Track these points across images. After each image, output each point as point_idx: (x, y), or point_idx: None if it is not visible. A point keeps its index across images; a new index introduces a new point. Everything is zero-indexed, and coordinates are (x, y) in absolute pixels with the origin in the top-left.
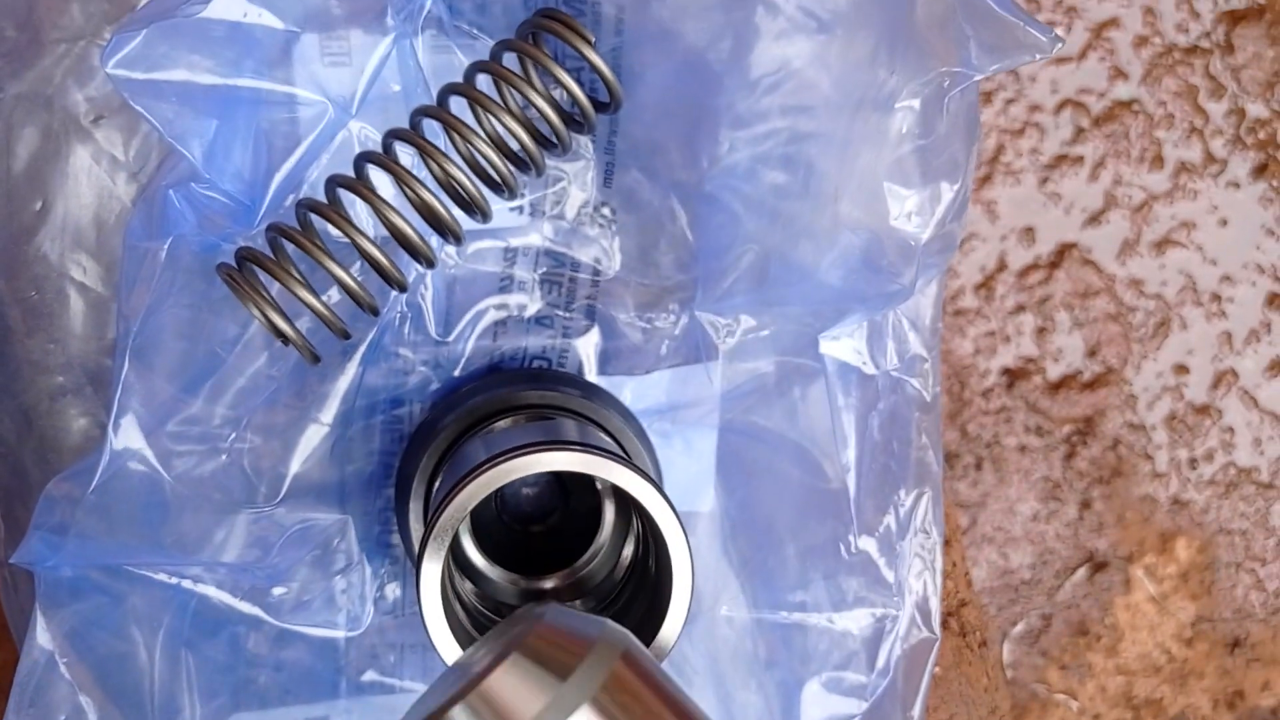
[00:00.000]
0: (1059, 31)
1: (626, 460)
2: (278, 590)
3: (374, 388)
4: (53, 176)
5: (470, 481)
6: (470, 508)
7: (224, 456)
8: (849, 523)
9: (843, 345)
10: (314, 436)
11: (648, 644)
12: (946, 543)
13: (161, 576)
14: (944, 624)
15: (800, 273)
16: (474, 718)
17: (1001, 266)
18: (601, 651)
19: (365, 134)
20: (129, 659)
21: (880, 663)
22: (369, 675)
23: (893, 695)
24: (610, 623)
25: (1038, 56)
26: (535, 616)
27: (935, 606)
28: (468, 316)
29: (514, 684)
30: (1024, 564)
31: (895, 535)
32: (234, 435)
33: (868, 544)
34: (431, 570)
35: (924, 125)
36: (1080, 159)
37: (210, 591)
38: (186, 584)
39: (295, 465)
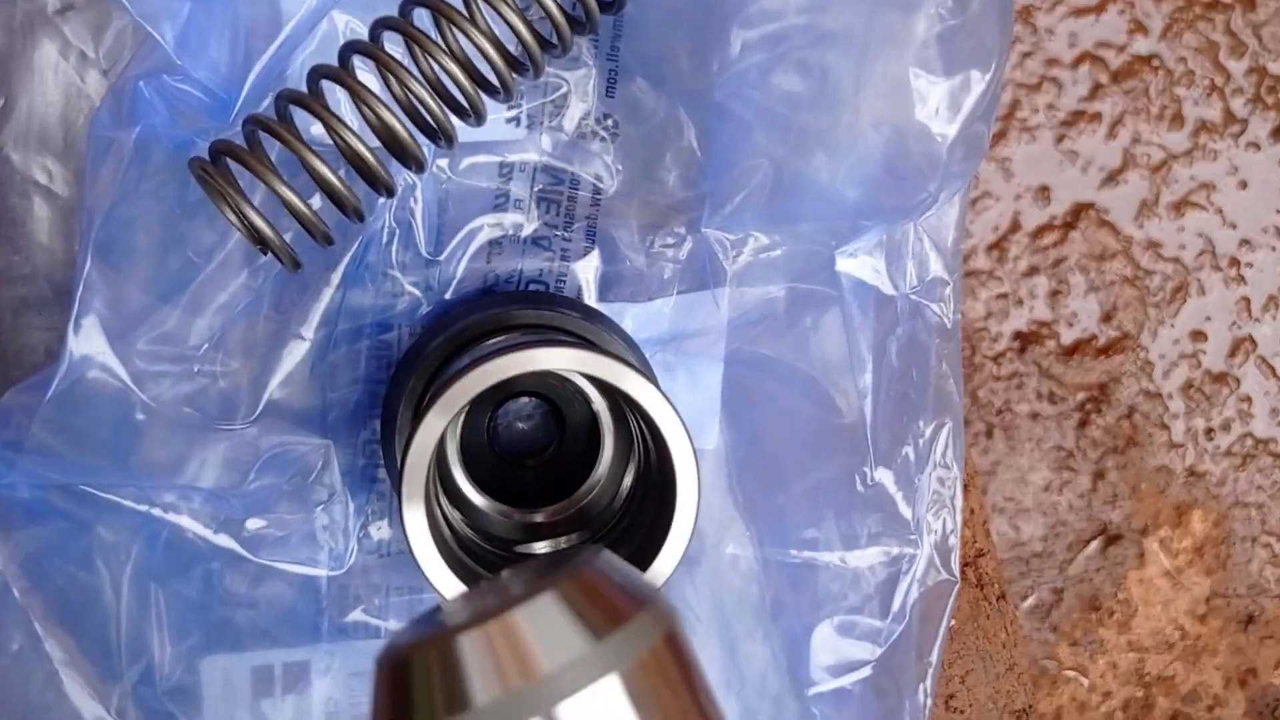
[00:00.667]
0: None
1: (629, 363)
2: (254, 523)
3: (360, 309)
4: (16, 72)
5: (463, 375)
6: (457, 409)
7: (196, 368)
8: (864, 454)
9: (860, 263)
10: (295, 353)
11: (644, 570)
12: (964, 488)
13: (130, 503)
14: (961, 574)
15: (815, 187)
16: (486, 649)
17: (1015, 226)
18: (646, 623)
19: (351, 27)
20: (93, 592)
21: (895, 606)
22: (352, 617)
23: (908, 641)
24: (662, 595)
25: None
26: (583, 561)
27: (955, 546)
28: (460, 235)
29: (542, 626)
30: (1035, 536)
31: (914, 468)
32: (208, 347)
33: (884, 476)
34: (416, 470)
35: (955, 5)
36: (1098, 115)
37: (183, 521)
38: (157, 512)
39: (274, 382)
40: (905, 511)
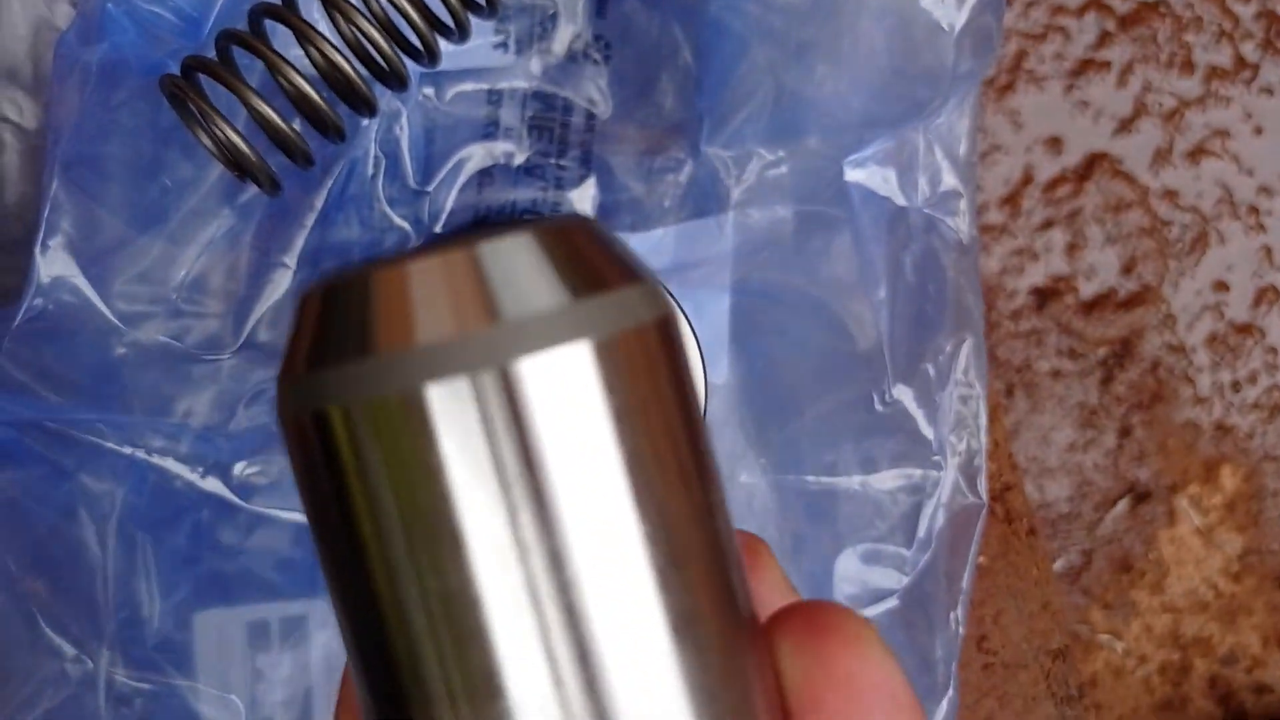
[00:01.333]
0: None
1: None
2: (242, 467)
3: (346, 244)
4: None
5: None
6: None
7: (178, 300)
8: (882, 371)
9: (870, 173)
10: (279, 282)
11: None
12: (989, 419)
13: (112, 445)
14: (989, 508)
15: (818, 98)
16: (441, 282)
17: (1028, 179)
18: (636, 298)
19: None
20: (76, 543)
21: (921, 532)
22: None
23: (936, 568)
24: (662, 285)
25: None
26: (573, 220)
27: (982, 467)
28: (449, 165)
29: (511, 268)
30: (1061, 497)
31: (934, 385)
32: (189, 278)
33: (903, 394)
34: None
35: None
36: (1107, 64)
37: (169, 465)
38: (141, 455)
39: (258, 311)
40: (927, 432)
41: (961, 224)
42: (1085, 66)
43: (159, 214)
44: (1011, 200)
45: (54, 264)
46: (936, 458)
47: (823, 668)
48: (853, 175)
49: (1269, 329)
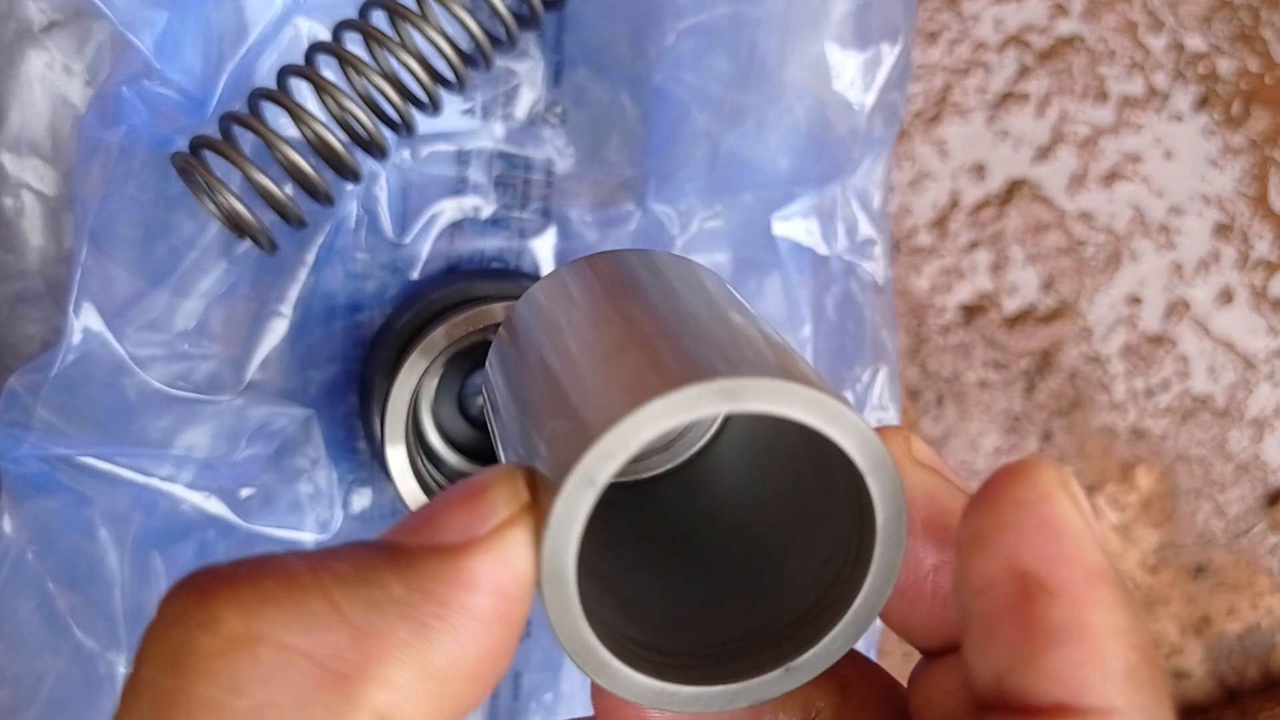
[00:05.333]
0: None
1: None
2: (244, 491)
3: (332, 292)
4: (6, 85)
5: (433, 329)
6: (442, 347)
7: (186, 346)
8: None
9: (795, 226)
10: (275, 330)
11: None
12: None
13: (128, 474)
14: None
15: (750, 158)
16: None
17: (954, 204)
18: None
19: (314, 31)
20: (97, 560)
21: None
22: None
23: None
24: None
25: None
26: None
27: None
28: (423, 219)
29: None
30: None
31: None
32: (194, 327)
33: None
34: (398, 409)
35: None
36: (1026, 96)
37: (178, 491)
38: (154, 483)
39: (257, 357)
40: None
41: (877, 268)
42: (1006, 99)
43: (166, 269)
44: (940, 223)
45: (84, 322)
46: None
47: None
48: (780, 228)
49: (1179, 339)
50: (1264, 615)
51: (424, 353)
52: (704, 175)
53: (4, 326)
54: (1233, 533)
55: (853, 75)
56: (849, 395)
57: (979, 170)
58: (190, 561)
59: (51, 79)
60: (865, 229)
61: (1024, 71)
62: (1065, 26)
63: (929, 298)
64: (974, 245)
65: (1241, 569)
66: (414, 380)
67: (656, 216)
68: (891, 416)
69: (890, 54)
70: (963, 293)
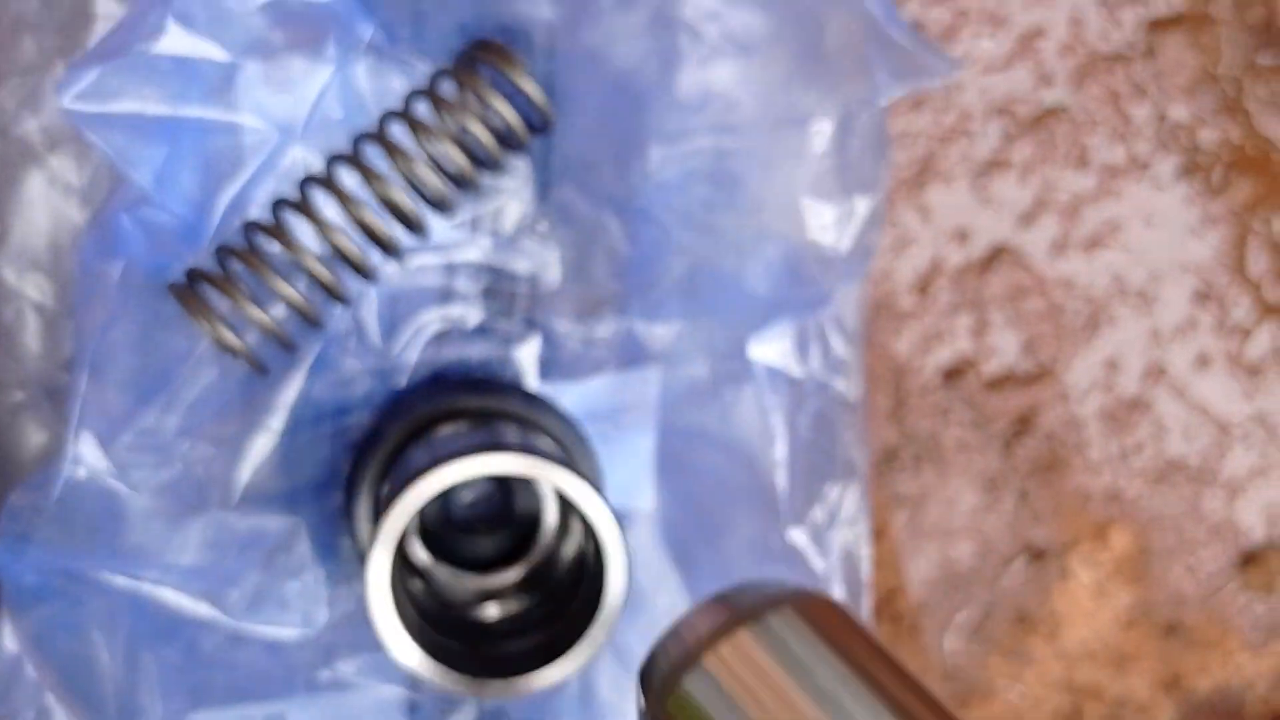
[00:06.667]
0: (988, 42)
1: (563, 462)
2: (232, 593)
3: (320, 399)
4: (8, 203)
5: (413, 487)
6: (413, 512)
7: (178, 465)
8: (780, 516)
9: (770, 349)
10: (264, 444)
11: (580, 635)
12: (881, 534)
13: (119, 580)
14: (877, 611)
15: (728, 281)
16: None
17: (937, 268)
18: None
19: (309, 159)
20: (90, 661)
21: None
22: (325, 673)
23: None
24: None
25: (938, 81)
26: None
27: (865, 590)
28: (411, 329)
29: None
30: (965, 556)
31: (824, 526)
32: (187, 445)
33: (798, 536)
34: (379, 572)
35: (836, 145)
36: (1010, 163)
37: (167, 594)
38: (145, 587)
39: (247, 472)
40: (817, 565)
41: (850, 386)
42: (990, 166)
43: (160, 386)
44: (922, 287)
45: (83, 453)
46: (823, 587)
47: None
48: (755, 351)
49: (1156, 403)
50: (1234, 674)
51: (389, 533)
52: (684, 294)
53: (4, 434)
54: (1205, 592)
55: (827, 225)
56: (819, 511)
57: (962, 235)
58: (179, 659)
59: (52, 197)
60: (839, 349)
61: (1008, 140)
62: (1050, 96)
63: (910, 360)
64: (955, 309)
65: (1213, 628)
66: (387, 563)
67: (637, 332)
68: (862, 531)
69: (864, 206)
70: (943, 355)
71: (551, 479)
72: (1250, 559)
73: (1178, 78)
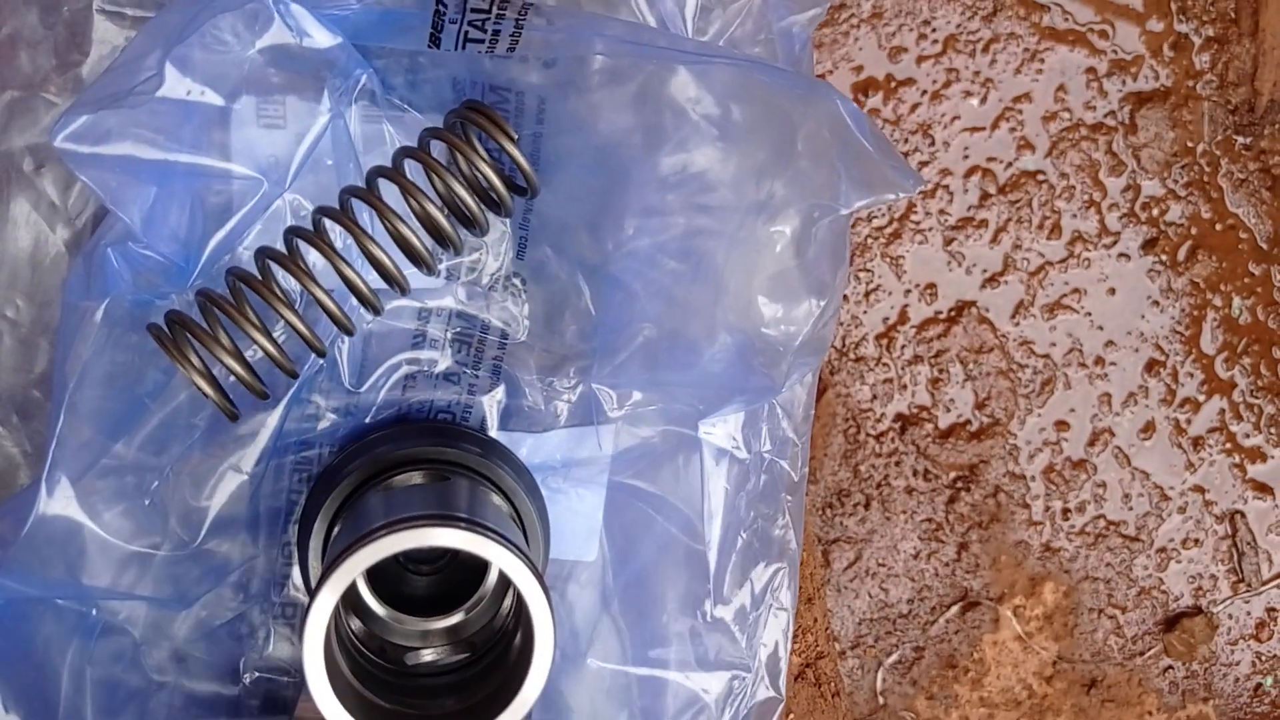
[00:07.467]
0: (975, 102)
1: (504, 539)
2: (184, 616)
3: (286, 431)
4: None
5: (362, 546)
6: (360, 570)
7: (146, 501)
8: (710, 591)
9: (718, 432)
10: (231, 483)
11: (516, 692)
12: (810, 600)
13: (75, 605)
14: (801, 674)
15: (687, 358)
16: None
17: (903, 319)
18: None
19: (298, 203)
20: (43, 681)
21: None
22: (270, 694)
23: None
24: None
25: (900, 195)
26: None
27: (783, 670)
28: (381, 369)
29: None
30: (902, 598)
31: (750, 606)
32: (156, 483)
33: (724, 611)
34: (318, 622)
35: (796, 249)
36: (984, 223)
37: (118, 620)
38: (95, 613)
39: (213, 511)
40: (742, 640)
41: (794, 466)
42: (965, 223)
43: (134, 424)
44: (886, 336)
45: (54, 493)
46: (747, 662)
47: None
48: (704, 433)
49: (1100, 465)
50: None
51: (335, 583)
52: (645, 362)
53: None
54: (1128, 652)
55: (780, 321)
56: (747, 590)
57: (930, 289)
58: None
59: (36, 217)
60: (787, 431)
61: (985, 199)
62: (1030, 160)
63: (869, 405)
64: (917, 360)
65: (1133, 687)
66: (330, 607)
67: (596, 393)
68: (787, 611)
69: (817, 308)
70: (900, 404)
71: (494, 558)
72: (1174, 624)
73: (1157, 151)
